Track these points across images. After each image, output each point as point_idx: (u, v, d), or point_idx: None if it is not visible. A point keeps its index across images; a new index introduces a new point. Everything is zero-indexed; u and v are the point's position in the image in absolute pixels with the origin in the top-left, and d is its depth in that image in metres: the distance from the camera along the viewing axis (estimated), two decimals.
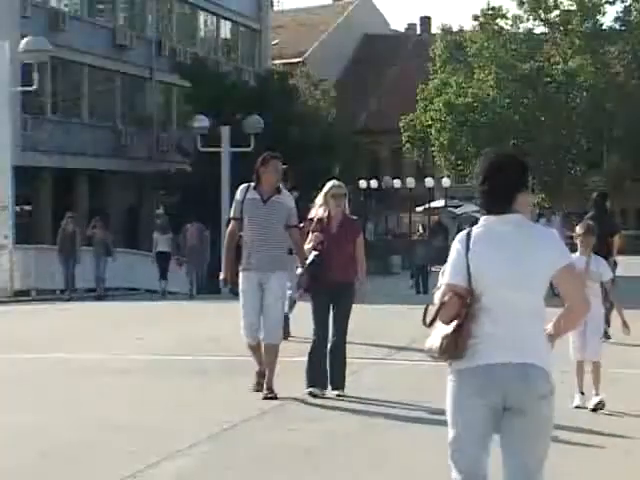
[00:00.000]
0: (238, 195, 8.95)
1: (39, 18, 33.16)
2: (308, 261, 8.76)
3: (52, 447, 6.92)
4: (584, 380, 8.53)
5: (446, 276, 4.11)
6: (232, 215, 9.04)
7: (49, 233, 29.87)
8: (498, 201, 4.09)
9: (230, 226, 9.03)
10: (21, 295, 23.54)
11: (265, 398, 8.60)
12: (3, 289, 23.69)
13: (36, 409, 8.38)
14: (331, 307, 8.87)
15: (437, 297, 4.11)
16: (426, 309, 4.09)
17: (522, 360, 3.97)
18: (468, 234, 4.12)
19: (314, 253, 8.76)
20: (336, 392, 8.79)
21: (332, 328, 8.90)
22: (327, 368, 8.84)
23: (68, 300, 22.45)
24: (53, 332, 14.68)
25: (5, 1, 31.98)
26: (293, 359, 10.83)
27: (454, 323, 4.01)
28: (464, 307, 4.02)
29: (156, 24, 41.13)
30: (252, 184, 8.91)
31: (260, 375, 8.92)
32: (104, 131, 37.64)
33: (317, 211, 9.03)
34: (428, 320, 4.09)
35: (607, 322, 12.11)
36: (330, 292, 8.76)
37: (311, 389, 8.77)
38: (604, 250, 14.20)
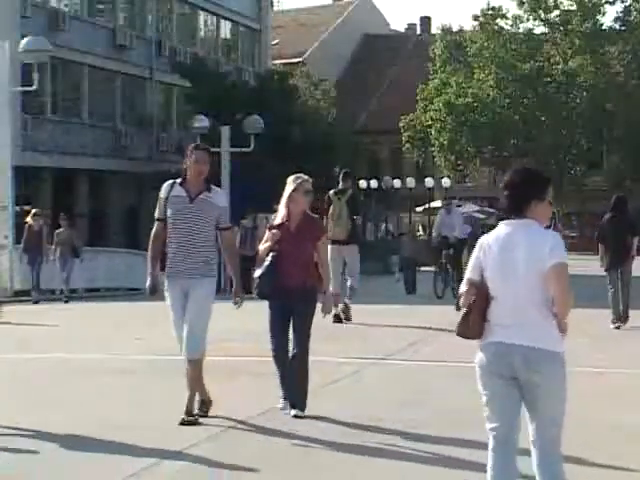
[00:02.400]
0: (162, 192, 7.88)
1: (39, 18, 33.18)
2: (265, 264, 7.90)
3: (52, 447, 6.91)
4: None
5: (467, 271, 5.00)
6: (156, 215, 7.95)
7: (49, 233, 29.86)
8: (512, 208, 4.87)
9: (154, 228, 7.93)
10: (21, 295, 23.52)
11: (182, 423, 7.51)
12: (3, 289, 23.68)
13: (36, 409, 8.38)
14: (290, 316, 7.95)
15: (462, 288, 4.97)
16: (459, 298, 5.00)
17: (524, 342, 4.73)
18: (486, 235, 4.98)
19: (271, 255, 7.91)
20: (293, 412, 7.84)
21: (292, 339, 8.02)
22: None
23: (36, 303, 21.62)
24: (53, 332, 14.69)
25: (5, 1, 32.00)
26: None
27: (465, 308, 4.90)
28: (477, 296, 4.85)
29: (156, 24, 41.15)
30: (178, 180, 7.86)
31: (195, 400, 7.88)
32: (104, 131, 37.64)
33: (280, 213, 8.09)
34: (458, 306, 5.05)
35: None
36: (288, 299, 7.82)
37: (281, 403, 8.03)
38: (623, 250, 14.45)
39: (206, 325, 7.81)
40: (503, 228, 4.89)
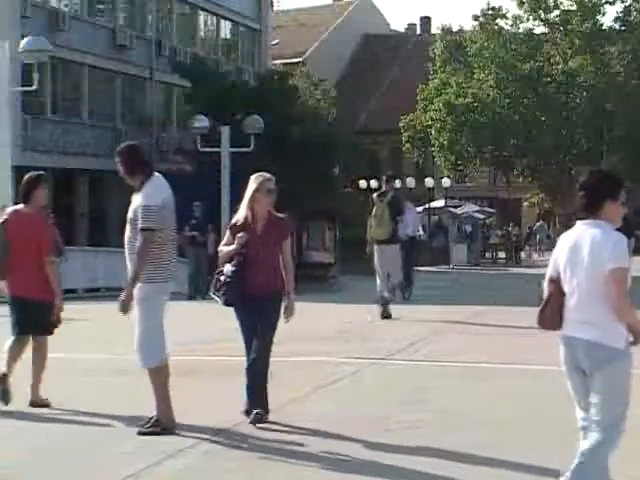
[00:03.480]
0: None
1: (39, 18, 33.16)
2: (231, 270, 7.53)
3: (52, 447, 6.91)
4: None
5: (548, 267, 5.37)
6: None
7: None
8: (585, 208, 5.19)
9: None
10: None
11: (140, 433, 7.22)
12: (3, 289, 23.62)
13: (36, 409, 8.38)
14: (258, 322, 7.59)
15: (544, 283, 5.35)
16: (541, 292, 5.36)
17: (585, 337, 5.07)
18: (564, 233, 5.36)
19: (237, 259, 7.53)
20: (255, 412, 7.51)
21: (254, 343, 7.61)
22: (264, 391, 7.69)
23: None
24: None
25: (5, 1, 31.98)
26: (298, 358, 10.84)
27: (544, 301, 5.29)
28: (554, 290, 5.23)
29: (156, 24, 41.13)
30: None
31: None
32: (104, 131, 37.61)
33: (241, 213, 7.69)
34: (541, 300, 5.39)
35: None
36: (254, 303, 7.47)
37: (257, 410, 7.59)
38: None
39: (147, 333, 7.35)
40: (577, 227, 5.21)
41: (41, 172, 8.76)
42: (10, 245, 7.85)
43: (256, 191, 7.60)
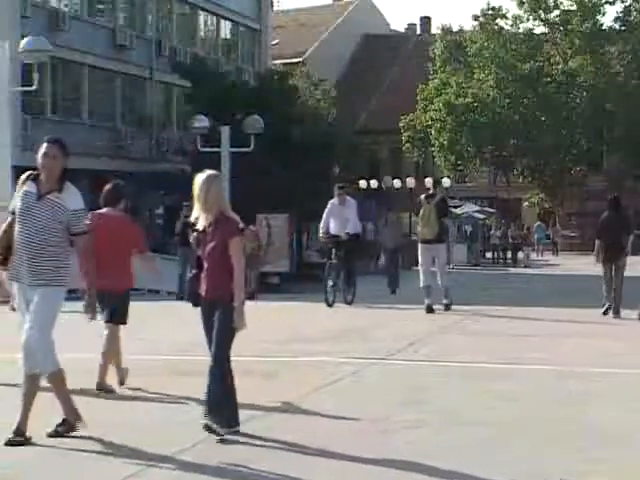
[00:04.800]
0: (18, 183, 7.13)
1: (39, 18, 33.18)
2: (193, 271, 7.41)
3: (52, 447, 6.91)
4: None
5: None
6: (9, 208, 7.15)
7: None
8: None
9: (7, 221, 7.18)
10: None
11: (50, 436, 7.03)
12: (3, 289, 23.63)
13: (36, 409, 8.37)
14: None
15: None
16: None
17: None
18: None
19: (196, 259, 7.40)
20: (203, 421, 7.13)
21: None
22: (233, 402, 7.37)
23: None
24: (53, 332, 14.67)
25: (5, 1, 31.99)
26: (299, 359, 10.85)
27: None
28: None
29: (156, 24, 41.16)
30: (35, 173, 7.04)
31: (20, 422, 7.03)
32: (104, 131, 37.63)
33: (194, 213, 7.37)
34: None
35: None
36: (205, 310, 7.26)
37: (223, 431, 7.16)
38: (617, 247, 15.80)
39: (45, 339, 6.99)
40: None
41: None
42: (97, 245, 7.88)
43: (200, 190, 7.18)
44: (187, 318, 8.85)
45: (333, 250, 17.54)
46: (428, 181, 18.08)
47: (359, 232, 18.27)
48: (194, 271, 7.45)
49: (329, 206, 17.80)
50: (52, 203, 6.90)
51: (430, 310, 16.14)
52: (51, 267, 6.93)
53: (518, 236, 46.98)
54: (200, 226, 7.23)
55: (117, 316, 9.40)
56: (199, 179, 7.20)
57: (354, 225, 17.60)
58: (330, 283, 17.38)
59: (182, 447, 6.86)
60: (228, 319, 7.08)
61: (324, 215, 17.86)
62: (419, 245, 16.85)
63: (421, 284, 16.50)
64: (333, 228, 17.58)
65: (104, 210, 9.50)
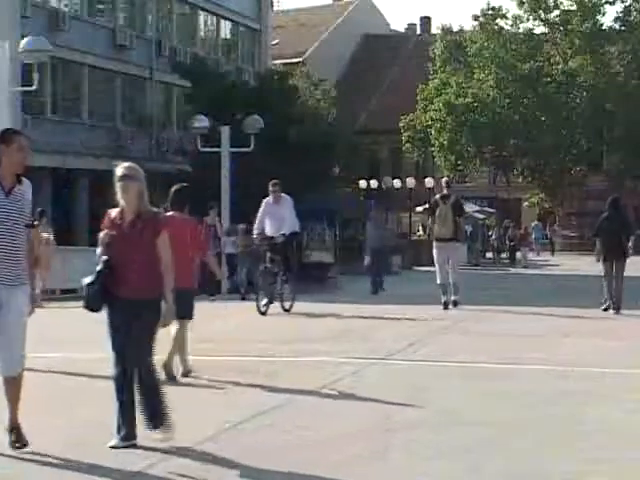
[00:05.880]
0: None
1: (39, 18, 33.20)
2: (96, 271, 6.95)
3: (52, 447, 6.91)
4: None
5: None
6: None
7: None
8: None
9: None
10: None
11: (15, 446, 6.72)
12: None
13: (36, 409, 8.38)
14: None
15: None
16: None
17: None
18: None
19: (103, 259, 6.94)
20: (150, 427, 6.89)
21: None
22: (134, 412, 6.89)
23: None
24: (54, 332, 14.66)
25: (5, 1, 32.00)
26: (299, 359, 10.85)
27: None
28: None
29: (156, 24, 41.17)
30: None
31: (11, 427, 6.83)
32: (104, 131, 37.65)
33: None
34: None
35: None
36: (123, 310, 6.81)
37: (114, 439, 6.81)
38: (617, 247, 15.98)
39: (21, 340, 6.74)
40: None
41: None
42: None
43: (120, 180, 6.83)
44: None
45: (267, 254, 16.41)
46: (443, 181, 18.28)
47: (297, 231, 16.97)
48: (97, 271, 6.92)
49: (263, 205, 16.34)
50: (19, 197, 6.70)
51: (447, 307, 16.96)
52: (25, 265, 6.76)
53: (515, 236, 46.96)
54: (125, 223, 6.84)
55: (184, 312, 9.52)
56: (117, 174, 6.83)
57: (291, 224, 16.28)
58: (263, 301, 15.58)
59: (182, 446, 6.85)
60: (153, 322, 6.83)
61: (258, 215, 16.45)
62: (434, 244, 17.47)
63: (438, 281, 17.22)
64: (268, 229, 16.31)
65: (172, 213, 9.88)
